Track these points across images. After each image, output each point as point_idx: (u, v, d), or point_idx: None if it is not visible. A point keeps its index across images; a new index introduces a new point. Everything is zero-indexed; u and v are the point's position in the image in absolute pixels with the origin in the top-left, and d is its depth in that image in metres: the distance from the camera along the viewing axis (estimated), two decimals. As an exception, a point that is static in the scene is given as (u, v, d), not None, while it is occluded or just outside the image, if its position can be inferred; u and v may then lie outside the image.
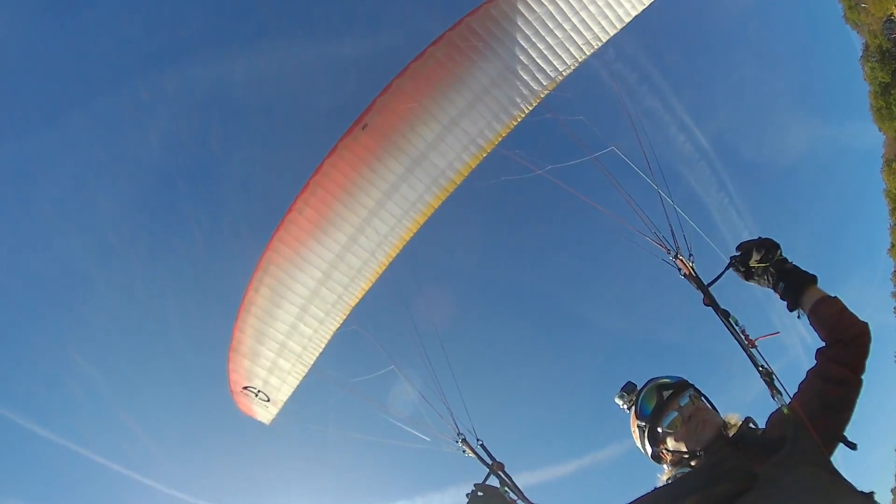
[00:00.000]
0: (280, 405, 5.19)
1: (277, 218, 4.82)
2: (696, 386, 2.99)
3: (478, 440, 4.18)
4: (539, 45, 4.82)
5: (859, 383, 2.63)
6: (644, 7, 5.00)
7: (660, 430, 2.91)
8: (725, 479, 2.37)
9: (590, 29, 4.90)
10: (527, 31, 4.75)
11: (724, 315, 3.30)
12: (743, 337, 3.22)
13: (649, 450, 3.00)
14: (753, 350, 3.18)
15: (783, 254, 3.00)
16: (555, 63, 4.90)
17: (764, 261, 2.98)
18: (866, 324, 2.68)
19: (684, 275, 3.64)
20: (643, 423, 2.99)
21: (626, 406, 3.23)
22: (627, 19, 4.97)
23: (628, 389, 3.24)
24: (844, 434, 2.62)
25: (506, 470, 3.87)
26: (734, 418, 2.86)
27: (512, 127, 4.94)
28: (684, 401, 2.88)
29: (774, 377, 3.02)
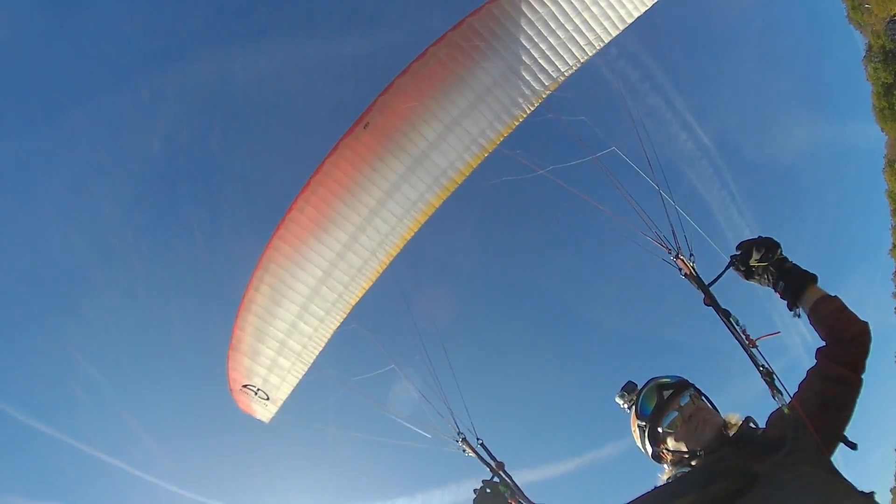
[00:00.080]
0: (279, 404, 5.20)
1: (278, 216, 4.84)
2: (696, 385, 2.98)
3: (478, 439, 4.19)
4: (541, 45, 4.82)
5: (859, 383, 2.62)
6: (646, 8, 5.00)
7: (660, 429, 2.90)
8: (723, 477, 2.37)
9: (592, 30, 4.89)
10: (529, 32, 4.75)
11: (725, 315, 3.31)
12: (744, 337, 3.22)
13: (650, 449, 2.99)
14: (754, 350, 3.18)
15: (783, 253, 3.00)
16: (557, 63, 4.90)
17: (764, 260, 2.98)
18: (866, 323, 2.68)
19: (685, 275, 3.65)
20: (643, 423, 2.99)
21: (626, 406, 3.23)
22: (630, 20, 4.97)
23: (629, 389, 3.24)
24: (845, 434, 2.61)
25: (506, 469, 3.89)
26: (734, 418, 2.85)
27: (514, 127, 4.93)
28: (684, 400, 2.88)
29: (775, 377, 3.03)
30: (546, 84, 4.90)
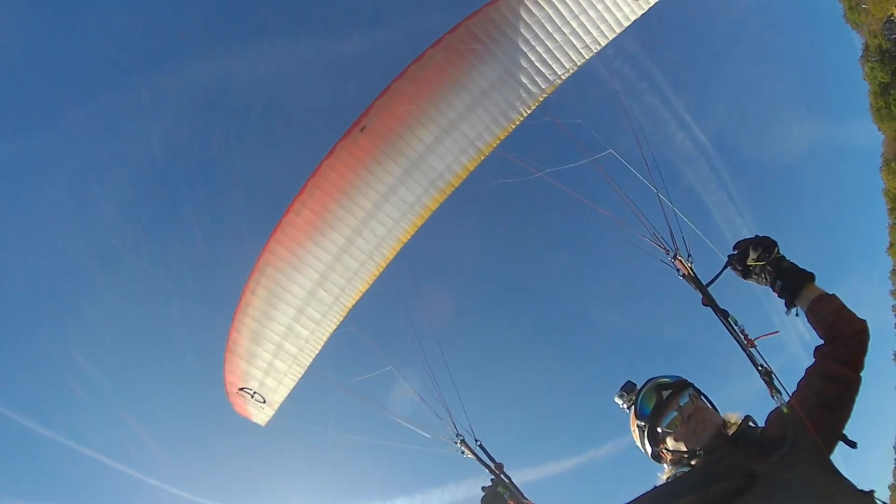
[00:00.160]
0: (276, 407, 5.18)
1: (277, 218, 4.83)
2: (695, 385, 2.97)
3: (476, 441, 4.19)
4: (538, 48, 4.82)
5: (858, 381, 2.61)
6: (643, 12, 4.99)
7: (659, 429, 2.89)
8: (723, 477, 2.36)
9: (588, 33, 4.89)
10: (526, 35, 4.75)
11: (724, 315, 3.30)
12: (742, 337, 3.21)
13: (649, 449, 2.98)
14: (753, 350, 3.17)
15: (780, 252, 2.99)
16: (553, 67, 4.90)
17: (761, 259, 2.97)
18: (864, 321, 2.66)
19: (683, 275, 3.64)
20: (643, 423, 2.98)
21: (625, 405, 3.21)
22: (626, 23, 4.97)
23: (628, 389, 3.23)
24: (844, 432, 2.60)
25: (505, 471, 3.89)
26: (734, 417, 2.84)
27: (510, 130, 4.93)
28: (684, 400, 2.87)
29: (774, 377, 3.02)
30: (543, 87, 4.89)
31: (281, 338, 4.95)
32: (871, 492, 2.28)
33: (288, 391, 5.13)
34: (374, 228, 4.86)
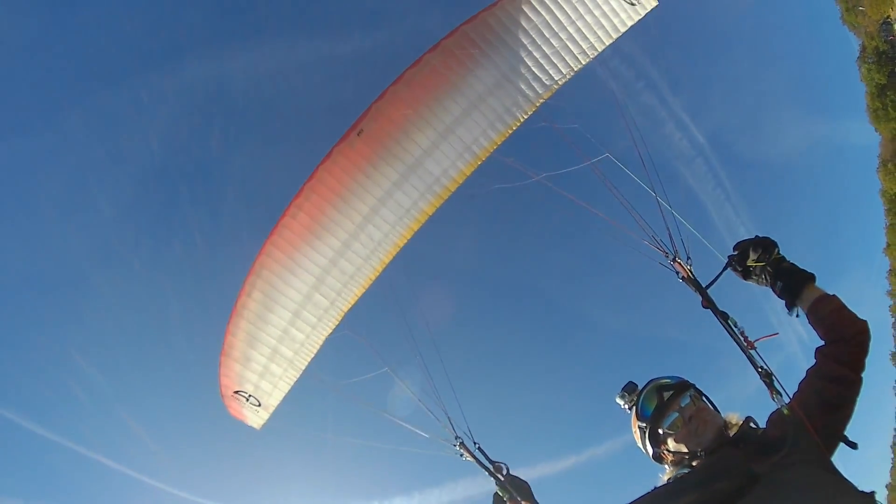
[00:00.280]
0: (271, 410, 5.18)
1: (273, 220, 4.82)
2: (696, 386, 2.96)
3: (475, 444, 4.19)
4: (535, 53, 4.83)
5: (859, 382, 2.60)
6: (640, 17, 5.00)
7: (661, 431, 2.87)
8: (723, 477, 2.37)
9: (586, 39, 4.90)
10: (523, 40, 4.76)
11: (723, 317, 3.30)
12: (742, 339, 3.22)
13: (650, 450, 2.96)
14: (752, 351, 3.18)
15: (780, 252, 2.98)
16: (550, 72, 4.90)
17: (761, 260, 2.96)
18: (865, 322, 2.65)
19: (682, 278, 3.64)
20: (644, 425, 2.96)
21: (626, 406, 3.20)
22: (623, 29, 4.98)
23: (629, 389, 3.21)
24: (845, 433, 2.60)
25: (510, 470, 3.91)
26: (735, 418, 2.83)
27: (507, 135, 4.93)
28: (685, 401, 2.85)
29: (774, 378, 3.03)
30: (540, 92, 4.90)
31: (276, 341, 4.95)
32: (872, 493, 2.28)
33: (283, 395, 5.12)
34: (371, 232, 4.85)
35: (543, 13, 4.74)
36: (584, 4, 4.83)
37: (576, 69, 4.96)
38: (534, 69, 4.86)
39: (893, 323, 44.90)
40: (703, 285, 3.46)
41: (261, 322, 4.90)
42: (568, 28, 4.84)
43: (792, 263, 2.95)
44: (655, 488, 2.65)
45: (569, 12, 4.80)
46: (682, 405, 2.85)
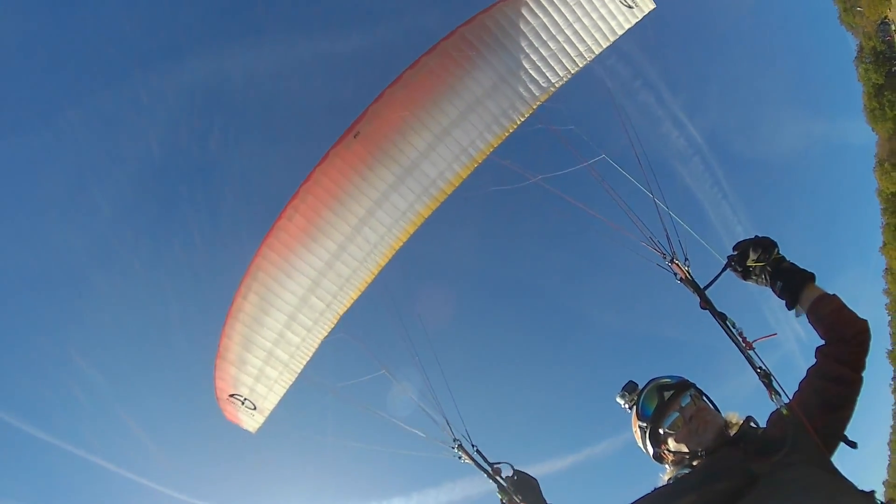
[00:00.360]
0: (266, 413, 5.15)
1: (270, 220, 4.80)
2: (697, 385, 2.95)
3: (473, 446, 4.17)
4: (533, 56, 4.82)
5: (859, 381, 2.59)
6: (637, 20, 4.99)
7: (661, 430, 2.87)
8: (724, 476, 2.37)
9: (583, 41, 4.89)
10: (521, 43, 4.75)
11: (722, 318, 3.30)
12: (740, 339, 3.21)
13: (651, 450, 2.96)
14: (751, 352, 3.18)
15: (780, 252, 2.96)
16: (548, 75, 4.89)
17: (761, 260, 2.95)
18: (866, 321, 2.64)
19: (680, 279, 3.62)
20: (644, 424, 2.95)
21: (627, 406, 3.19)
22: (620, 32, 4.97)
23: (629, 389, 3.20)
24: (845, 433, 2.59)
25: (503, 475, 3.88)
26: (735, 417, 2.82)
27: (504, 138, 4.92)
28: (686, 401, 2.84)
29: (773, 379, 3.03)
30: (537, 95, 4.89)
31: (272, 344, 4.92)
32: (872, 492, 2.28)
33: (279, 398, 5.10)
34: (367, 235, 4.84)
35: (541, 16, 4.73)
36: (582, 7, 4.82)
37: (573, 72, 4.96)
38: (531, 72, 4.85)
39: (890, 321, 45.17)
40: (702, 286, 3.44)
41: (256, 325, 4.88)
42: (565, 31, 4.83)
43: (792, 263, 2.94)
44: (656, 489, 2.64)
45: (566, 15, 4.78)
46: (683, 405, 2.84)
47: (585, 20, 4.83)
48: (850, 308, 2.69)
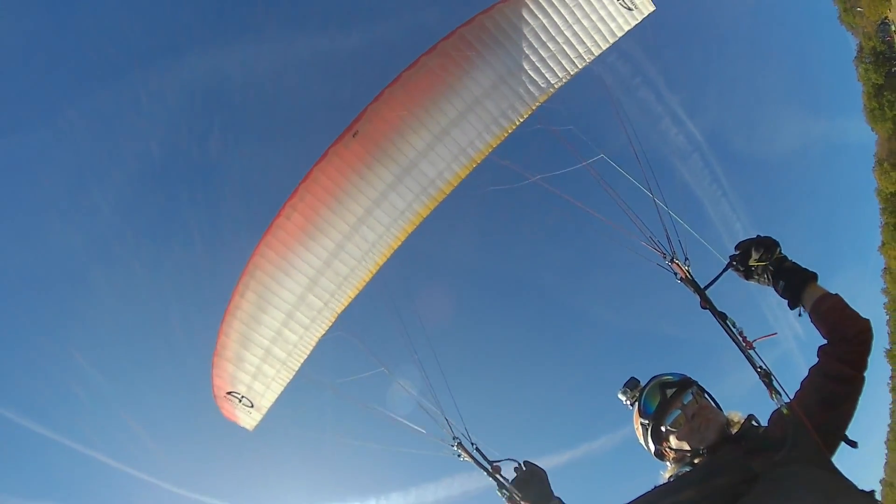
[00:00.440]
0: (264, 411, 5.15)
1: (269, 219, 4.79)
2: (699, 383, 2.95)
3: (472, 444, 4.17)
4: (532, 57, 4.82)
5: (861, 380, 2.61)
6: (637, 22, 4.98)
7: (663, 428, 2.87)
8: (723, 472, 2.38)
9: (583, 43, 4.89)
10: (520, 44, 4.75)
11: (722, 317, 3.29)
12: (741, 339, 3.21)
13: (652, 447, 2.96)
14: (751, 351, 3.18)
15: (782, 252, 2.97)
16: (547, 76, 4.89)
17: (763, 259, 2.96)
18: (868, 320, 2.66)
19: (680, 279, 3.61)
20: (646, 421, 2.96)
21: (628, 402, 3.19)
22: (620, 34, 4.97)
23: (631, 385, 3.19)
24: (846, 433, 2.60)
25: (502, 473, 3.88)
26: (737, 416, 2.83)
27: (503, 138, 4.92)
28: (687, 399, 2.85)
29: (773, 378, 3.03)
30: (536, 95, 4.89)
31: (270, 342, 4.93)
32: (872, 492, 2.30)
33: (276, 396, 5.10)
34: (365, 234, 4.83)
35: (541, 17, 4.74)
36: (582, 9, 4.81)
37: (572, 73, 4.95)
38: (530, 72, 4.85)
39: (888, 320, 45.22)
40: (702, 286, 3.44)
41: (254, 323, 4.88)
42: (565, 32, 4.83)
43: (794, 262, 2.95)
44: (656, 486, 2.64)
45: (566, 16, 4.78)
46: (685, 402, 2.85)
47: (585, 22, 4.83)
48: (852, 307, 2.70)
